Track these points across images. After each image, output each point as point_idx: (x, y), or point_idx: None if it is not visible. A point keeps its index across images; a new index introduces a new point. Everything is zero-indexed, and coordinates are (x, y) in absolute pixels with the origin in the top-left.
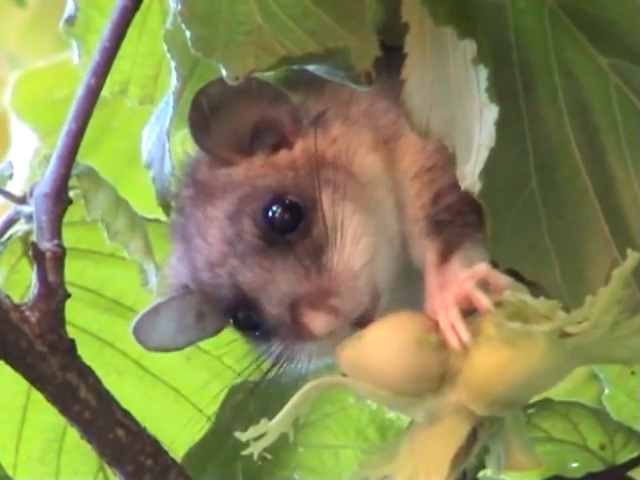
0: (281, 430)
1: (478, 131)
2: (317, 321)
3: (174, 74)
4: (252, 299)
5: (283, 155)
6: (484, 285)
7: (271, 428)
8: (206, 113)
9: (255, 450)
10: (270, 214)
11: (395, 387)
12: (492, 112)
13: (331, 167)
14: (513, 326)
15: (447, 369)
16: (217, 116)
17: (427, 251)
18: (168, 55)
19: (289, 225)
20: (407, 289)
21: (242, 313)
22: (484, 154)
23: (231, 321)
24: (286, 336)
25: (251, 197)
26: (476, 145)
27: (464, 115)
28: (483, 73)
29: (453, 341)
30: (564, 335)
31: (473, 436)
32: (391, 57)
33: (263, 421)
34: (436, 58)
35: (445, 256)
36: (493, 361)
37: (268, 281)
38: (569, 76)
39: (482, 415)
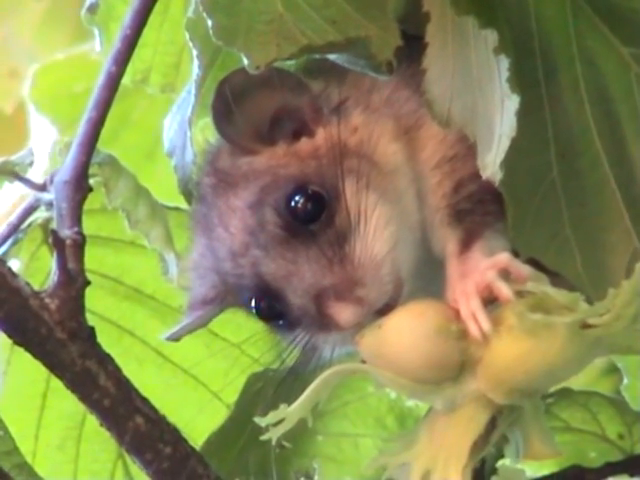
0: (300, 416)
1: (499, 121)
2: (344, 312)
3: (196, 62)
4: (275, 289)
5: (305, 143)
6: (505, 275)
7: (290, 414)
8: (228, 102)
9: (274, 436)
10: (292, 204)
11: (415, 375)
12: (513, 102)
13: (354, 156)
14: (535, 317)
15: (467, 358)
16: (239, 105)
17: (448, 240)
18: (190, 43)
19: (312, 215)
20: (428, 278)
21: (265, 303)
22: (505, 144)
23: (253, 310)
24: (310, 326)
25: (273, 187)
26: (497, 135)
27: (485, 104)
28: (504, 63)
29: (474, 330)
30: (585, 326)
31: (492, 424)
32: (412, 46)
33: (282, 406)
34: (457, 47)
35: (466, 245)
36: (514, 351)
37: (292, 272)
38: (590, 65)
39: (501, 404)
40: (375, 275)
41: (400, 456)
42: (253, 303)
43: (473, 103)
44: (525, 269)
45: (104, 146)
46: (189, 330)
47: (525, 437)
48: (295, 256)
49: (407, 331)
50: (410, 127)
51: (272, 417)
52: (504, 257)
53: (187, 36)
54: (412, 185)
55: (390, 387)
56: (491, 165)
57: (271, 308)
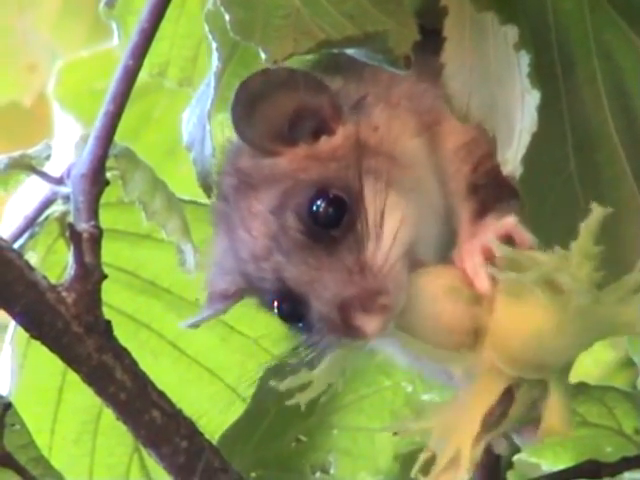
0: (328, 380)
1: (520, 116)
2: (371, 323)
3: (215, 55)
4: (298, 294)
5: (324, 143)
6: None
7: (317, 377)
8: (247, 105)
9: (302, 400)
10: (314, 209)
11: (427, 338)
12: (534, 97)
13: (373, 154)
14: (507, 276)
15: (480, 325)
16: (258, 107)
17: (462, 211)
18: (209, 36)
19: (333, 220)
20: None
21: (287, 306)
22: (526, 139)
23: (275, 311)
24: (333, 332)
25: (294, 191)
26: (518, 130)
27: (505, 99)
28: (525, 59)
29: (479, 284)
30: (560, 292)
31: (510, 398)
32: (430, 39)
33: (304, 370)
34: (475, 42)
35: (480, 214)
36: (508, 318)
37: (314, 279)
38: (608, 59)
39: (514, 375)
40: (396, 280)
41: (418, 423)
42: (275, 305)
43: (492, 98)
44: (529, 236)
45: (125, 144)
46: (207, 320)
47: (545, 412)
48: (318, 263)
49: (421, 291)
50: (431, 122)
51: (295, 381)
52: (511, 220)
53: (206, 28)
54: (433, 176)
55: (413, 350)
56: (512, 160)
57: (293, 311)
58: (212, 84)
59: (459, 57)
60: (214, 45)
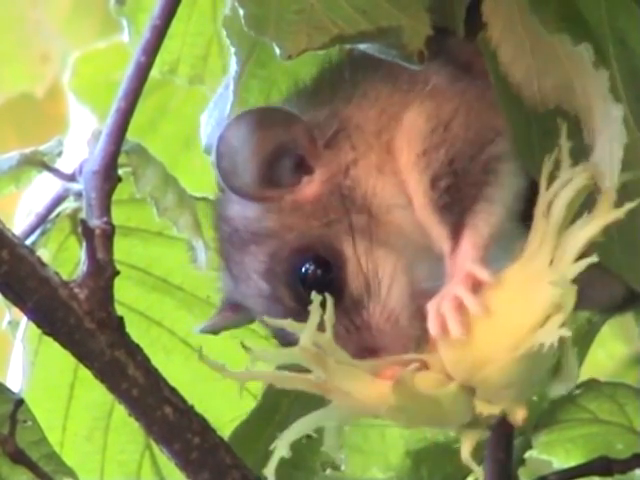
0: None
1: (600, 124)
2: None
3: (234, 59)
4: None
5: (306, 187)
6: None
7: None
8: (230, 156)
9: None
10: (302, 274)
11: None
12: (619, 110)
13: (351, 206)
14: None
15: None
16: (239, 156)
17: (441, 240)
18: (227, 41)
19: (323, 284)
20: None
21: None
22: (619, 152)
23: None
24: None
25: (281, 255)
26: (607, 139)
27: (584, 85)
28: (604, 76)
29: (432, 330)
30: None
31: None
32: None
33: None
34: (532, 26)
35: (455, 239)
36: None
37: None
38: (622, 46)
39: None
40: (395, 334)
41: None
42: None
43: (567, 80)
44: (486, 275)
45: (142, 136)
46: (221, 328)
47: None
48: None
49: None
50: (389, 145)
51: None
52: (471, 268)
53: (225, 33)
54: (411, 213)
55: None
56: (609, 175)
57: None
58: (231, 88)
59: (513, 43)
60: (232, 50)
